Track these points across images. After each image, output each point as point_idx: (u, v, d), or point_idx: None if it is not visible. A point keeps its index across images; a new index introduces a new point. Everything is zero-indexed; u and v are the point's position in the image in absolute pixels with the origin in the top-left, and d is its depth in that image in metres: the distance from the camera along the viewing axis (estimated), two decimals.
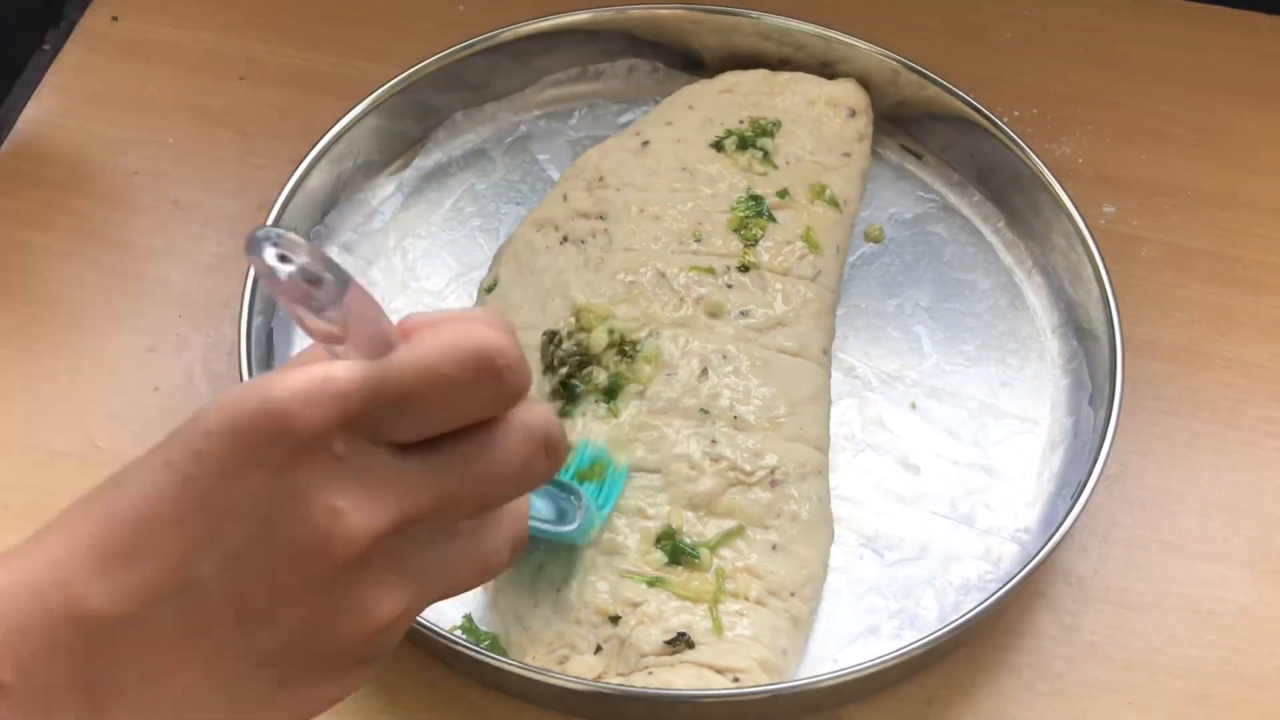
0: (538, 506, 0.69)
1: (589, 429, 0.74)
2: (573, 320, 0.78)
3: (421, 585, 0.45)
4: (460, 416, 0.45)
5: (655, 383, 0.76)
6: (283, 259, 0.41)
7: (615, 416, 0.75)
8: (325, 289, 0.41)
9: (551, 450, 0.46)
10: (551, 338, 0.78)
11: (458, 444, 0.45)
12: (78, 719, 0.42)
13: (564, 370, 0.76)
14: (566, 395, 0.76)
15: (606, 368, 0.76)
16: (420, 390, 0.43)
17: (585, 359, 0.77)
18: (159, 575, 0.42)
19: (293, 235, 0.42)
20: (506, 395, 0.45)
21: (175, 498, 0.42)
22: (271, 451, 0.42)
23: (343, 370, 0.43)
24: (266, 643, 0.43)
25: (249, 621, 0.43)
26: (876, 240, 0.89)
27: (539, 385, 0.77)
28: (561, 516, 0.70)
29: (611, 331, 0.77)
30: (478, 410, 0.45)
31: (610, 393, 0.76)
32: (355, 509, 0.42)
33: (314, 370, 0.43)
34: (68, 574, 0.42)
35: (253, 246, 0.41)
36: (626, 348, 0.77)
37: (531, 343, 0.79)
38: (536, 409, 0.46)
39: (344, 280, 0.42)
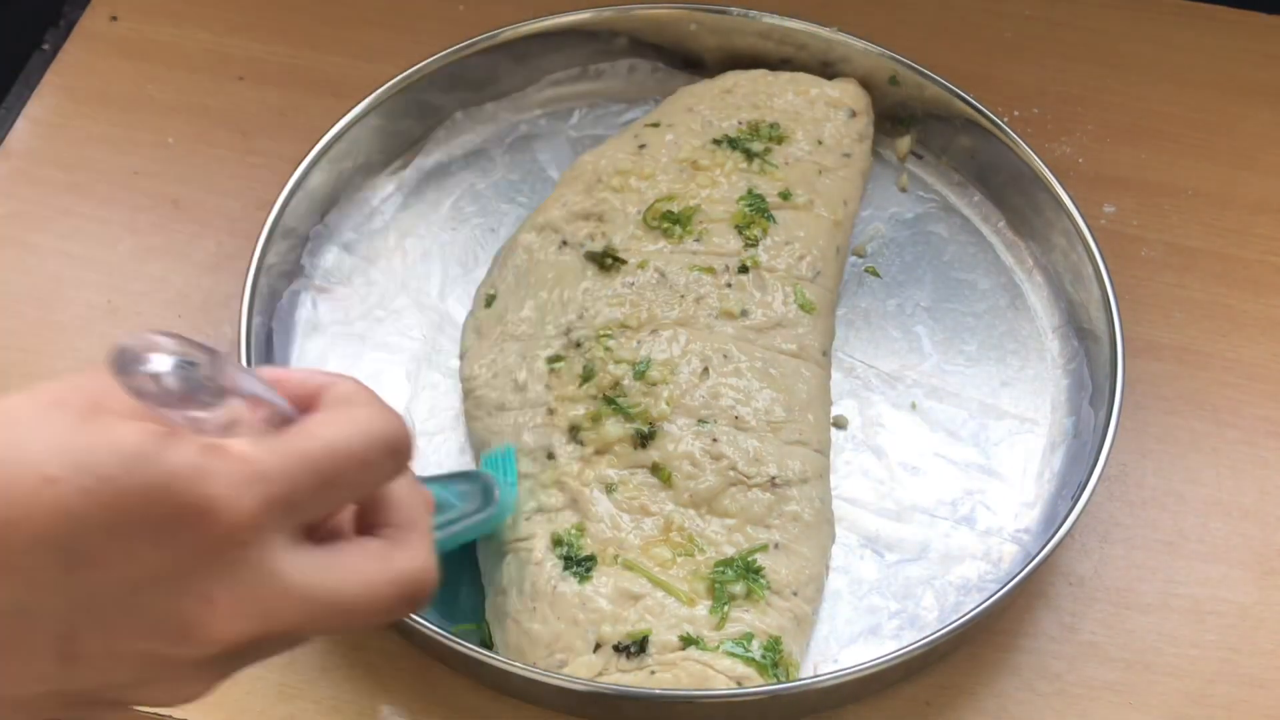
0: (454, 504, 0.70)
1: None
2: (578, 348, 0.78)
3: (241, 665, 0.45)
4: (363, 492, 0.46)
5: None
6: (157, 367, 0.40)
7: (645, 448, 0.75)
8: (211, 368, 0.40)
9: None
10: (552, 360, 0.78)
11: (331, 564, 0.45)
12: None
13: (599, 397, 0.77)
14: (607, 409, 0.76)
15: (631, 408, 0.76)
16: (340, 471, 0.44)
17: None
18: None
19: (147, 336, 0.40)
20: (401, 469, 0.47)
21: (44, 520, 0.39)
22: (179, 531, 0.40)
23: (264, 453, 0.42)
24: (80, 683, 0.42)
25: (70, 663, 0.41)
26: (860, 255, 0.89)
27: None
28: (480, 504, 0.71)
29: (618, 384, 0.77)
30: (377, 485, 0.47)
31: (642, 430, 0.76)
32: (228, 608, 0.41)
33: (232, 452, 0.41)
34: None
35: (125, 362, 0.39)
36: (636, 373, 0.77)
37: (537, 354, 0.79)
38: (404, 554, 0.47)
39: (219, 356, 0.41)
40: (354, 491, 0.46)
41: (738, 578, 0.71)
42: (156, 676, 0.43)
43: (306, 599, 0.43)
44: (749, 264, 0.81)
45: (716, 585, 0.71)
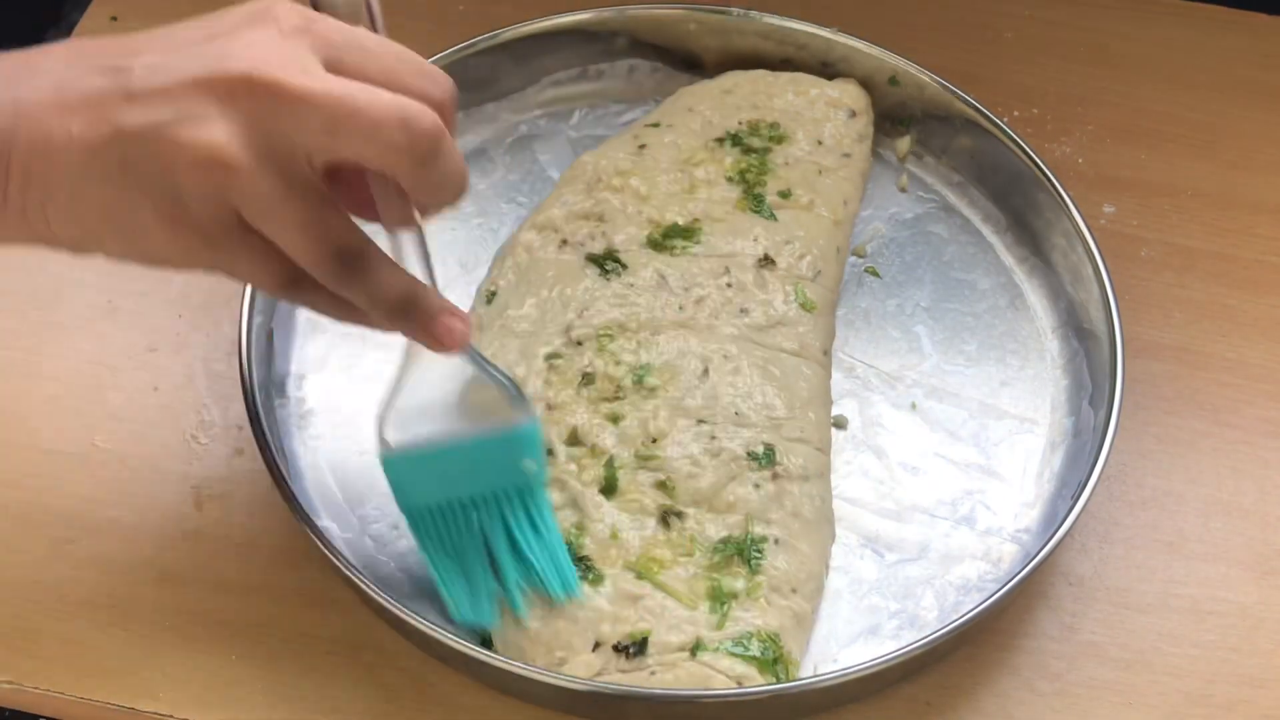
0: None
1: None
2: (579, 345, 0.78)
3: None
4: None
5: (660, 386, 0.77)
6: None
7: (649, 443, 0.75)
8: None
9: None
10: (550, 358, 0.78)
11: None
12: None
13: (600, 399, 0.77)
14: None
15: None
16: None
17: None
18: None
19: None
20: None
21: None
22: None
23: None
24: (136, 118, 0.55)
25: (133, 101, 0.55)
26: (860, 255, 0.89)
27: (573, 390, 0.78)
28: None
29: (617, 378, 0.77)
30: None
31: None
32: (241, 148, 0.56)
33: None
34: None
35: None
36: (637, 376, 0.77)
37: (536, 352, 0.79)
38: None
39: None
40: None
41: (737, 551, 0.71)
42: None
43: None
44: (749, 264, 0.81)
45: (713, 583, 0.71)
